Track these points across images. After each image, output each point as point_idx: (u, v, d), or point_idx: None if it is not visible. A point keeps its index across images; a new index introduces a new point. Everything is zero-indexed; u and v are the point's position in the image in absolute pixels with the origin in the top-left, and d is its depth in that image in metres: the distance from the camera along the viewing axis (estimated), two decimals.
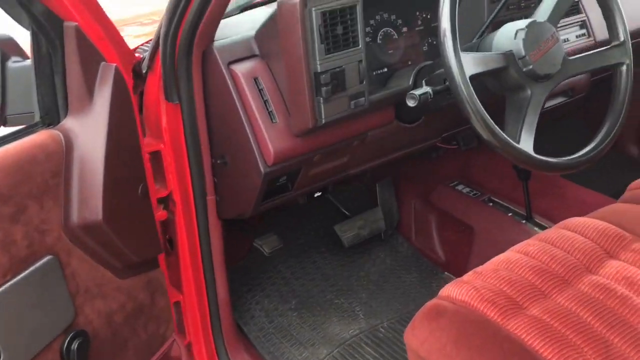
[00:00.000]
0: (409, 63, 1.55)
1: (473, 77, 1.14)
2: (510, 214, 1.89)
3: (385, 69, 1.51)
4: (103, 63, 1.28)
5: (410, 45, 1.55)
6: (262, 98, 1.32)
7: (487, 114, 1.14)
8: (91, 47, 1.26)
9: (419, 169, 2.15)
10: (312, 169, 1.48)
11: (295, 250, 2.04)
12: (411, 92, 1.24)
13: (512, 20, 1.60)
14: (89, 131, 1.27)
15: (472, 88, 1.12)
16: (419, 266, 2.02)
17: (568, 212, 1.94)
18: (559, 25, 1.44)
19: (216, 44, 1.34)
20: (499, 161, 1.92)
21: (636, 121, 2.75)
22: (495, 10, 1.46)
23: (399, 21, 1.54)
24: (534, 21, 1.24)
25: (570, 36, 1.87)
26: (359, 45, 1.31)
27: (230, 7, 1.57)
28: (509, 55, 1.20)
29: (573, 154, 1.30)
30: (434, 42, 1.60)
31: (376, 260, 2.05)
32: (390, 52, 1.51)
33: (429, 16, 1.59)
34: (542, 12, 1.29)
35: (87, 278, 1.31)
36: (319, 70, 1.24)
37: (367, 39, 1.47)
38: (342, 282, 1.93)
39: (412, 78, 1.45)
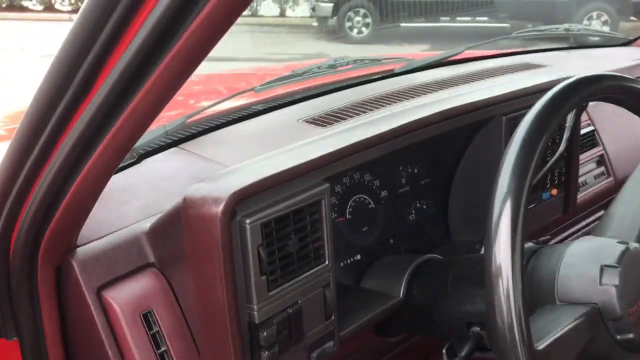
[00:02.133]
0: (391, 242, 1.06)
1: None
2: None
3: (359, 256, 1.00)
4: None
5: (392, 216, 1.06)
6: (157, 348, 0.77)
7: None
8: None
9: None
10: None
11: None
12: None
13: (539, 171, 1.13)
14: None
15: None
16: None
17: None
18: None
19: (81, 250, 0.78)
20: None
21: None
22: (539, 175, 0.97)
23: (376, 182, 1.05)
24: (628, 248, 0.72)
25: (587, 177, 1.44)
26: (325, 262, 0.78)
27: None
28: (592, 315, 0.69)
29: None
30: (424, 206, 1.11)
31: None
32: (364, 229, 1.02)
33: (415, 170, 1.11)
34: (629, 227, 0.78)
35: None
36: (256, 322, 0.71)
37: (332, 215, 0.97)
38: None
39: (403, 286, 0.93)
